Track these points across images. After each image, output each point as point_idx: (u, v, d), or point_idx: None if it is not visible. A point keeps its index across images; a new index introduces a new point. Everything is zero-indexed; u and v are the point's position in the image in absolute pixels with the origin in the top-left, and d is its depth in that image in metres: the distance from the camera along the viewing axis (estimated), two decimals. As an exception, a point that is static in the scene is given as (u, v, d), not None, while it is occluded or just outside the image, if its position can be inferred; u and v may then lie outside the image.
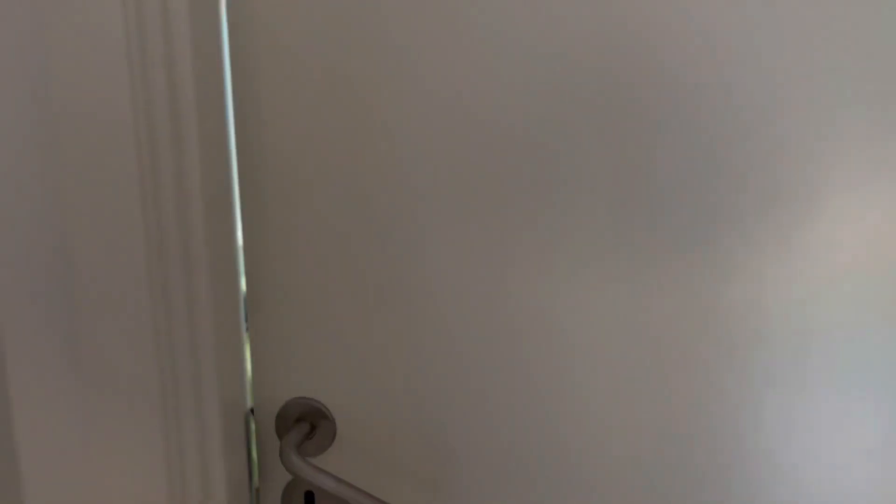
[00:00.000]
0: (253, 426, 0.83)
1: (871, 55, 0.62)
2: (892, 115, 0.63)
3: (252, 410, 0.83)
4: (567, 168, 0.68)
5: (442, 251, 0.73)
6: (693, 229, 0.68)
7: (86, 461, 0.74)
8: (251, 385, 0.82)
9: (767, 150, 0.65)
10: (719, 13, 0.63)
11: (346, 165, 0.72)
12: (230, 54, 0.71)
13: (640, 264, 0.70)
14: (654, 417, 0.74)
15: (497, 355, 0.75)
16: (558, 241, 0.71)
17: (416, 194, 0.72)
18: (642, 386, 0.73)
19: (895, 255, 0.66)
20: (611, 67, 0.65)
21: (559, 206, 0.70)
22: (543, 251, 0.71)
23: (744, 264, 0.68)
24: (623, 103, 0.66)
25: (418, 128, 0.70)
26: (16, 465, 0.71)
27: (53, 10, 0.61)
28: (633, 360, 0.73)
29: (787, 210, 0.66)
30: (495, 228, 0.71)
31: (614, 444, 0.76)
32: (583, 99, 0.66)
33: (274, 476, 0.85)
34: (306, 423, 0.81)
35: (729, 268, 0.68)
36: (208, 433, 0.74)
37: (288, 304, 0.78)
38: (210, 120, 0.68)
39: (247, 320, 0.79)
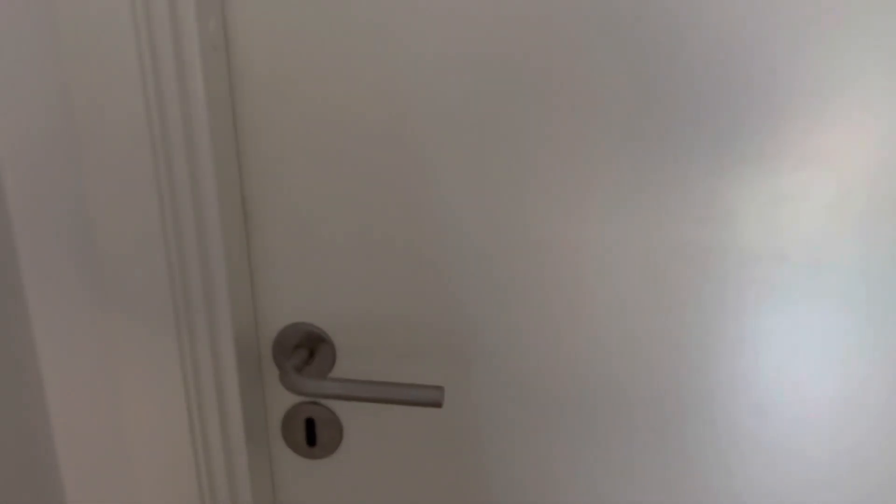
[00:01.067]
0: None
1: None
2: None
3: (249, 339, 0.82)
4: (575, 93, 0.68)
5: (442, 174, 0.73)
6: (701, 159, 0.68)
7: (106, 388, 0.75)
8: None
9: (772, 78, 0.65)
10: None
11: (347, 89, 0.71)
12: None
13: (648, 188, 0.70)
14: (652, 335, 0.76)
15: (496, 273, 0.76)
16: (565, 162, 0.71)
17: (419, 118, 0.71)
18: (639, 304, 0.75)
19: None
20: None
21: (567, 130, 0.70)
22: (549, 174, 0.71)
23: (749, 194, 0.69)
24: (636, 30, 0.65)
25: (422, 48, 0.69)
26: (41, 388, 0.73)
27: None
28: (638, 282, 0.74)
29: (791, 143, 0.67)
30: (498, 151, 0.71)
31: (618, 360, 0.77)
32: (595, 24, 0.66)
33: (273, 406, 0.85)
34: (304, 349, 0.80)
35: (732, 198, 0.69)
36: (222, 354, 0.75)
37: (282, 229, 0.77)
38: (212, 56, 0.68)
39: (241, 247, 0.79)
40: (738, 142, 0.67)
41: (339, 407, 0.84)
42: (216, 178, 0.69)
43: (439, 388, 0.70)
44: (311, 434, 0.85)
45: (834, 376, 0.75)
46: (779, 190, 0.68)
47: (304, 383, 0.72)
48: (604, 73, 0.67)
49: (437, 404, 0.69)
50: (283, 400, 0.85)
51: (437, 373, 0.80)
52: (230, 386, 0.77)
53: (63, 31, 0.63)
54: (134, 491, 0.79)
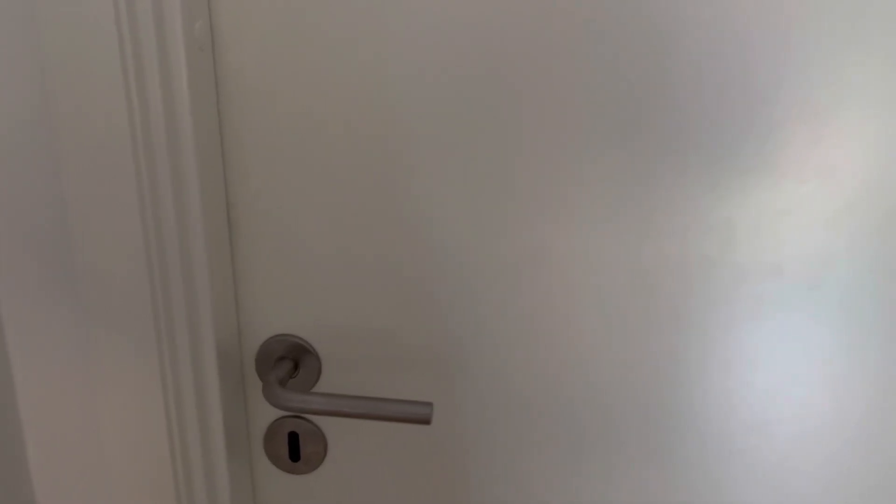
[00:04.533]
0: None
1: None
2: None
3: (232, 350, 0.80)
4: (566, 99, 0.67)
5: (430, 184, 0.71)
6: (698, 170, 0.67)
7: (84, 399, 0.72)
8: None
9: (773, 91, 0.64)
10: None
11: (336, 94, 0.69)
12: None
13: (640, 200, 0.69)
14: (643, 350, 0.74)
15: (484, 285, 0.74)
16: (554, 172, 0.70)
17: (407, 125, 0.70)
18: (631, 317, 0.73)
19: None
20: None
21: (557, 137, 0.68)
22: (538, 184, 0.70)
23: (747, 207, 0.68)
24: (632, 37, 0.64)
25: (410, 54, 0.67)
26: (14, 403, 0.71)
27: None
28: (624, 293, 0.73)
29: (792, 157, 0.66)
30: (486, 162, 0.70)
31: (607, 376, 0.76)
32: (588, 29, 0.65)
33: (256, 420, 0.83)
34: (289, 361, 0.78)
35: (729, 211, 0.68)
36: (204, 365, 0.73)
37: (268, 237, 0.75)
38: (198, 58, 0.66)
39: (225, 255, 0.77)
40: (737, 154, 0.66)
41: (323, 421, 0.82)
42: (200, 184, 0.67)
43: (428, 405, 0.68)
44: (295, 448, 0.83)
45: (830, 394, 0.74)
46: (778, 204, 0.67)
47: (288, 397, 0.69)
48: (597, 80, 0.66)
49: (426, 421, 0.67)
50: (265, 413, 0.82)
51: (423, 385, 0.78)
52: (212, 398, 0.75)
53: (43, 30, 0.61)
54: (110, 507, 0.76)
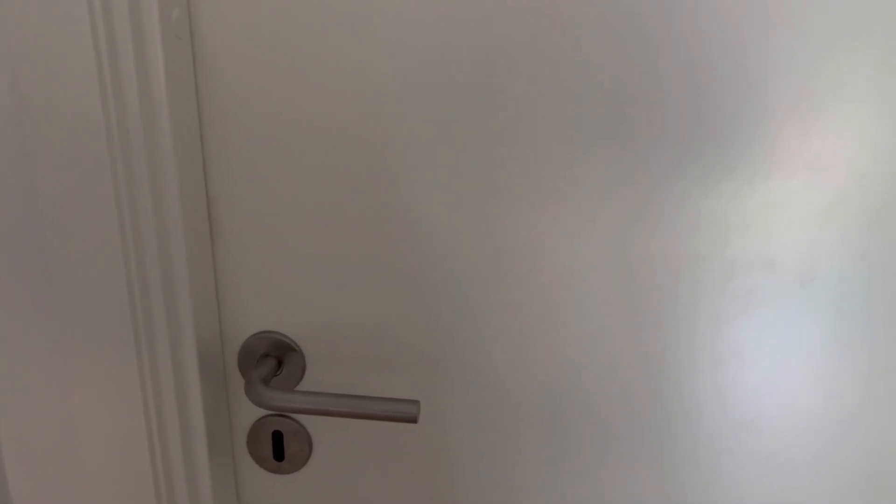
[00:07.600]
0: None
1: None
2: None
3: (213, 348, 0.78)
4: (555, 94, 0.66)
5: (415, 179, 0.70)
6: (689, 165, 0.66)
7: (61, 398, 0.70)
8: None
9: (764, 84, 0.63)
10: None
11: (319, 86, 0.68)
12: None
13: (630, 195, 0.68)
14: (632, 346, 0.73)
15: (469, 281, 0.73)
16: (541, 167, 0.68)
17: (391, 120, 0.68)
18: (619, 314, 0.72)
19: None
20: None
21: (545, 133, 0.67)
22: (525, 181, 0.69)
23: (738, 201, 0.67)
24: (622, 32, 0.63)
25: (395, 46, 0.66)
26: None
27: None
28: (612, 289, 0.72)
29: (783, 150, 0.65)
30: (471, 158, 0.69)
31: (596, 373, 0.75)
32: (578, 25, 0.64)
33: (239, 418, 0.81)
34: (273, 359, 0.77)
35: (720, 205, 0.67)
36: (185, 363, 0.71)
37: (249, 232, 0.73)
38: (175, 47, 0.64)
39: (206, 250, 0.75)
40: (727, 148, 0.65)
41: (308, 420, 0.80)
42: (179, 179, 0.66)
43: (415, 403, 0.66)
44: (279, 448, 0.81)
45: (820, 390, 0.73)
46: (769, 197, 0.66)
47: (271, 396, 0.68)
48: (584, 76, 0.65)
49: (413, 419, 0.65)
50: (249, 412, 0.81)
51: (409, 382, 0.77)
52: (193, 397, 0.73)
53: (13, 16, 0.58)
54: (88, 510, 0.74)
